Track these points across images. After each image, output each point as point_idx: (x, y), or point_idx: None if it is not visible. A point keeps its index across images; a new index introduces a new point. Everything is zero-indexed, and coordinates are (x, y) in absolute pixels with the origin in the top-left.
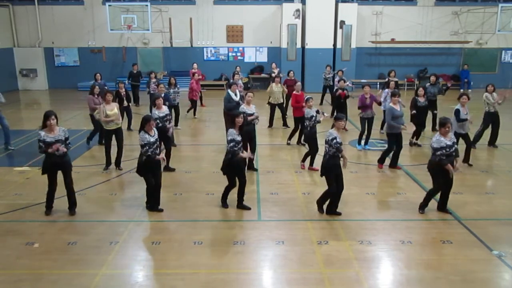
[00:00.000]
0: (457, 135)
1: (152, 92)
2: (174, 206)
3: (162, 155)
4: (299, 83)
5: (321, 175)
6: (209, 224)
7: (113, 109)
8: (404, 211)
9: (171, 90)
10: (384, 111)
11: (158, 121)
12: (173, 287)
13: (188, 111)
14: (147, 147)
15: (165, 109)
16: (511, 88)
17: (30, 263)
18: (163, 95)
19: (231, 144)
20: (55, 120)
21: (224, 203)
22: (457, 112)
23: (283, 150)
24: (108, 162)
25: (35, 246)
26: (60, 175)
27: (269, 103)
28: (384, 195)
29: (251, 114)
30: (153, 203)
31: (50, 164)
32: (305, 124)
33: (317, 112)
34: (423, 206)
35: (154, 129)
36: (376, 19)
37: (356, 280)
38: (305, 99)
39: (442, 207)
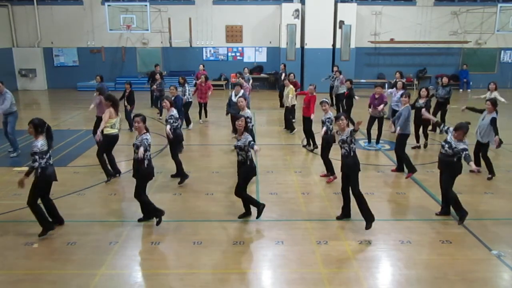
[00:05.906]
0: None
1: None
2: (173, 206)
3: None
4: (311, 87)
5: (347, 177)
6: (209, 224)
7: None
8: (403, 211)
9: (180, 89)
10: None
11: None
12: (172, 287)
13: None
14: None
15: (172, 111)
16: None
17: (29, 263)
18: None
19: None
20: (32, 129)
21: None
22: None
23: (282, 150)
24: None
25: (34, 246)
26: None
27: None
28: (383, 195)
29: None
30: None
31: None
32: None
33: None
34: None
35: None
36: (375, 19)
37: (355, 280)
38: (320, 102)
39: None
